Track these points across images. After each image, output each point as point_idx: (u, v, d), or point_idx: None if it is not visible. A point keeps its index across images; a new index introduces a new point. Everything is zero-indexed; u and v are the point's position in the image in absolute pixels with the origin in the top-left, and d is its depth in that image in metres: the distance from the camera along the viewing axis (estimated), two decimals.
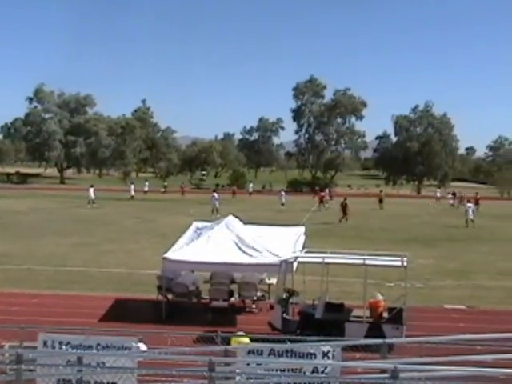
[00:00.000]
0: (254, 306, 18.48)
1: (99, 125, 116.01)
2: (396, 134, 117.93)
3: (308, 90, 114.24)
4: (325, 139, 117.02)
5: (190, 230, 19.86)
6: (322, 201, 58.50)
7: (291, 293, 16.10)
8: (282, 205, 58.83)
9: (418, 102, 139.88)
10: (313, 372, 9.28)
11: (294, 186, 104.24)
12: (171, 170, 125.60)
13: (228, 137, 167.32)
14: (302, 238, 19.61)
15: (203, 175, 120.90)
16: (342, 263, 16.29)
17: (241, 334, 12.41)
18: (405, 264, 15.21)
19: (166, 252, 17.52)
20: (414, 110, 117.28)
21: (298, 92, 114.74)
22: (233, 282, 18.77)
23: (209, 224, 20.26)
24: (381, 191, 65.70)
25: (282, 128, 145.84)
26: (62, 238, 33.69)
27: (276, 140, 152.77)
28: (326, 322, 14.82)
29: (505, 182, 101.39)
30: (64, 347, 10.12)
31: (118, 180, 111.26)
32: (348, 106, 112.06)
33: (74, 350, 9.96)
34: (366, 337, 13.86)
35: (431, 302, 19.44)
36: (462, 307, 19.20)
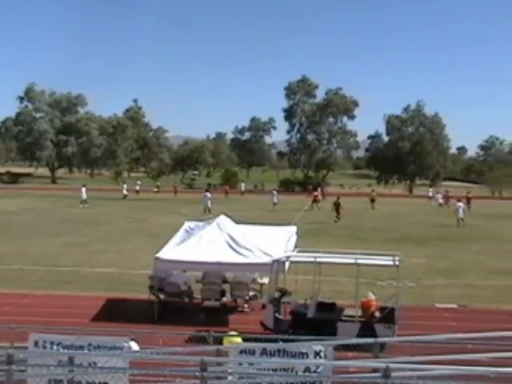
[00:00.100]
0: (246, 306, 18.46)
1: (91, 124, 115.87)
2: (388, 134, 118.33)
3: (300, 89, 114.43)
4: (317, 139, 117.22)
5: (181, 230, 19.82)
6: (315, 200, 58.56)
7: (283, 292, 16.08)
8: (274, 204, 58.82)
9: (409, 101, 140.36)
10: (305, 371, 9.28)
11: (286, 186, 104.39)
12: (163, 169, 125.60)
13: (220, 136, 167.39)
14: (294, 237, 19.62)
15: (194, 175, 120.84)
16: (334, 263, 16.28)
17: (233, 333, 12.39)
18: (397, 263, 15.24)
19: (157, 252, 17.48)
20: (405, 109, 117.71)
21: (289, 91, 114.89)
22: (225, 281, 18.74)
23: (201, 224, 20.22)
24: (372, 191, 65.85)
25: (274, 127, 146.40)
26: (53, 237, 33.58)
27: (268, 139, 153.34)
28: (318, 321, 14.82)
29: (496, 181, 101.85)
30: (55, 347, 10.08)
31: (110, 180, 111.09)
32: (340, 106, 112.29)
33: (66, 350, 9.93)
34: (358, 336, 13.86)
35: (423, 301, 19.48)
36: (454, 306, 19.25)
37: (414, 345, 10.47)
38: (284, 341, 10.32)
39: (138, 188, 78.16)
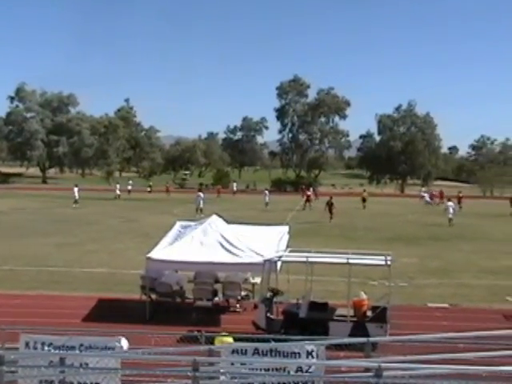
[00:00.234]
0: (238, 306, 18.45)
1: (82, 124, 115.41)
2: (379, 134, 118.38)
3: (292, 89, 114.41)
4: (308, 138, 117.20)
5: (173, 230, 19.80)
6: (308, 200, 58.58)
7: (275, 292, 16.08)
8: (266, 204, 58.84)
9: (401, 101, 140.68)
10: (297, 371, 9.29)
11: (278, 186, 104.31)
12: (155, 169, 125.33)
13: (212, 136, 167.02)
14: (286, 237, 19.63)
15: (186, 175, 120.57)
16: (326, 262, 16.30)
17: (223, 334, 12.38)
18: (388, 263, 15.26)
19: (149, 252, 17.45)
20: (397, 109, 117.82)
21: (281, 91, 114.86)
22: (217, 281, 18.73)
23: (192, 223, 20.21)
24: (364, 190, 65.95)
25: (266, 127, 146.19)
26: (44, 238, 33.46)
27: (260, 139, 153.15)
28: (310, 321, 14.83)
29: (487, 180, 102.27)
30: (46, 348, 10.04)
31: (101, 179, 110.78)
32: (332, 106, 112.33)
33: (57, 351, 9.88)
34: (350, 336, 13.88)
35: (415, 301, 19.52)
36: (445, 305, 19.30)
37: (406, 344, 10.48)
38: (276, 340, 10.32)
39: (129, 188, 77.98)
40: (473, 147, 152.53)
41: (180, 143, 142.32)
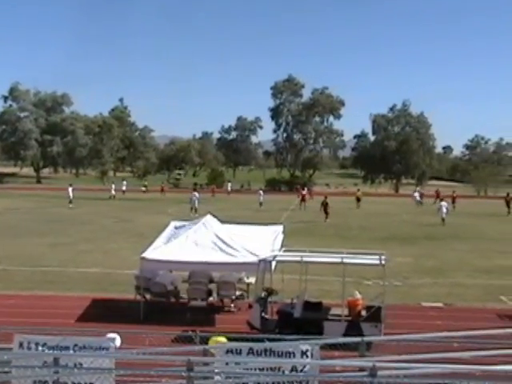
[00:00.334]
0: (232, 306, 18.44)
1: (76, 124, 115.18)
2: (374, 133, 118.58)
3: (286, 89, 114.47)
4: (303, 138, 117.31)
5: (167, 230, 19.78)
6: (303, 199, 58.60)
7: (270, 292, 16.08)
8: (260, 204, 58.85)
9: (395, 101, 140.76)
10: (292, 371, 9.27)
11: (273, 185, 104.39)
12: (149, 169, 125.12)
13: (206, 136, 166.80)
14: (281, 236, 19.64)
15: (179, 174, 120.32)
16: (320, 262, 16.31)
17: (218, 334, 12.36)
18: (383, 262, 15.28)
19: (143, 251, 17.43)
20: (391, 109, 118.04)
21: (276, 91, 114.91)
22: (211, 281, 18.71)
23: (187, 223, 20.20)
24: (358, 190, 66.05)
25: (261, 127, 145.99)
26: (38, 237, 33.38)
27: (254, 139, 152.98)
28: (305, 320, 14.83)
29: (481, 180, 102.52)
30: (40, 348, 10.00)
31: (95, 179, 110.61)
32: (326, 105, 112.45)
33: (51, 351, 9.85)
34: (345, 335, 13.89)
35: (409, 300, 19.55)
36: (440, 305, 19.33)
37: (400, 344, 10.49)
38: (271, 340, 10.30)
39: (124, 188, 77.81)
40: (467, 147, 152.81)
41: (174, 143, 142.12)
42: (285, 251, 17.13)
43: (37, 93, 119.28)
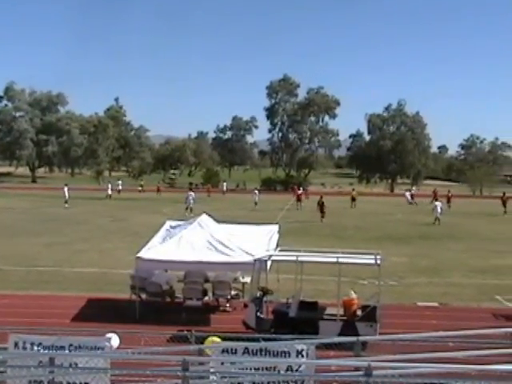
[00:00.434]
0: (228, 305, 18.45)
1: (71, 123, 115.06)
2: (369, 133, 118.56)
3: (281, 88, 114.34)
4: (298, 138, 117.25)
5: (163, 229, 19.78)
6: (299, 199, 58.58)
7: (265, 291, 16.09)
8: (256, 204, 58.83)
9: (391, 100, 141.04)
10: (287, 370, 9.27)
11: (268, 185, 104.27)
12: (144, 168, 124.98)
13: (202, 135, 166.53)
14: (276, 236, 19.64)
15: (174, 174, 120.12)
16: (315, 261, 16.32)
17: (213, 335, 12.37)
18: (378, 262, 15.30)
19: (139, 251, 17.43)
20: (387, 108, 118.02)
21: (271, 90, 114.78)
22: (207, 280, 18.71)
23: (182, 223, 20.20)
24: (353, 189, 66.08)
25: (256, 126, 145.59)
26: (34, 237, 33.33)
27: (250, 138, 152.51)
28: (300, 320, 14.84)
29: (476, 180, 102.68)
30: (36, 348, 9.98)
31: (91, 179, 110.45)
32: (321, 105, 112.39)
33: (46, 351, 9.83)
34: (340, 335, 13.90)
35: (404, 300, 19.58)
36: (435, 304, 19.37)
37: (396, 343, 10.50)
38: (266, 340, 10.31)
39: (119, 188, 77.68)
40: (462, 146, 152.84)
41: (170, 142, 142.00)
42: (280, 251, 17.13)
43: (32, 92, 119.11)
